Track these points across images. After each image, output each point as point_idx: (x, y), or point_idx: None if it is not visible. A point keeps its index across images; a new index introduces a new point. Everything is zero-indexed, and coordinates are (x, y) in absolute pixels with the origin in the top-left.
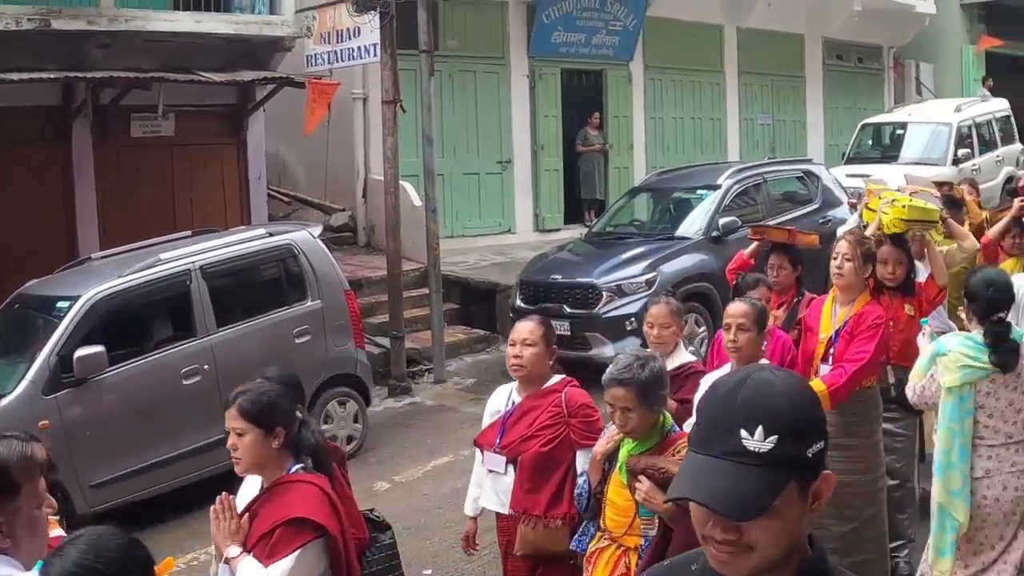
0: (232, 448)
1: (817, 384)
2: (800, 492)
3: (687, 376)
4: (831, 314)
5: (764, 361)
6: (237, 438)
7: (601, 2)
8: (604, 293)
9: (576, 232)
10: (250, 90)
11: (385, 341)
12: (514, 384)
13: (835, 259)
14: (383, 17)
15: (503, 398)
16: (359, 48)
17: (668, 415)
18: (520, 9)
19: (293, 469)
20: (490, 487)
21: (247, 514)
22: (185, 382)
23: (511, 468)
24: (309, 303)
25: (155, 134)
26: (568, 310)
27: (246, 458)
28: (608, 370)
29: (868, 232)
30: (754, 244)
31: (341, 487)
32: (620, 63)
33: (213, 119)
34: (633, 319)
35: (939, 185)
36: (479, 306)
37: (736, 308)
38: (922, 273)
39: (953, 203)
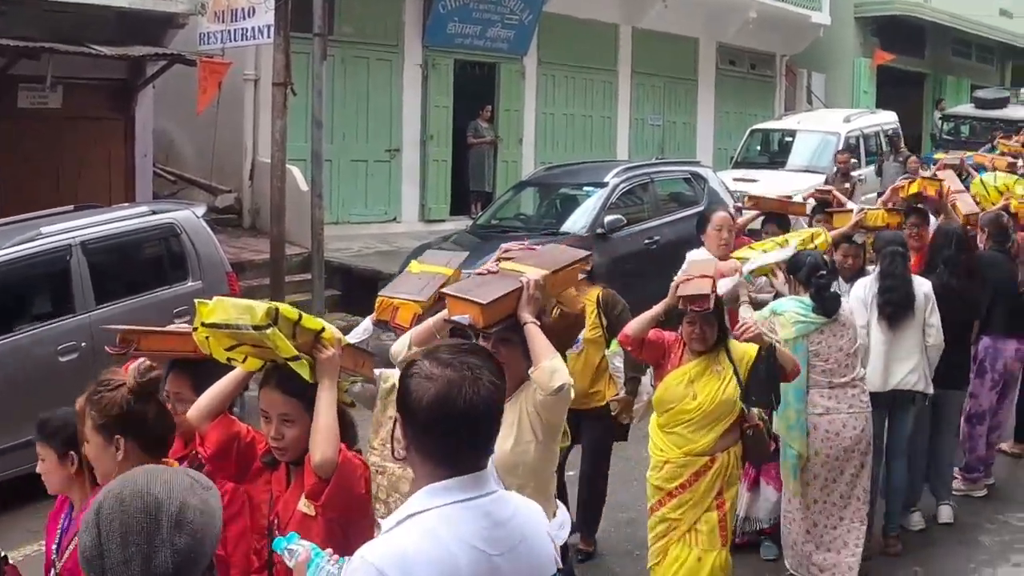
0: None
1: None
2: None
3: None
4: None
5: None
6: None
7: None
8: None
9: (462, 223)
10: (141, 65)
11: None
12: None
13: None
14: None
15: None
16: (253, 28)
17: None
18: None
19: None
20: None
21: None
22: (61, 359)
23: None
24: (190, 283)
25: (42, 106)
26: None
27: None
28: None
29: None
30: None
31: None
32: (514, 57)
33: (102, 93)
34: None
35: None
36: (361, 293)
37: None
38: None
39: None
